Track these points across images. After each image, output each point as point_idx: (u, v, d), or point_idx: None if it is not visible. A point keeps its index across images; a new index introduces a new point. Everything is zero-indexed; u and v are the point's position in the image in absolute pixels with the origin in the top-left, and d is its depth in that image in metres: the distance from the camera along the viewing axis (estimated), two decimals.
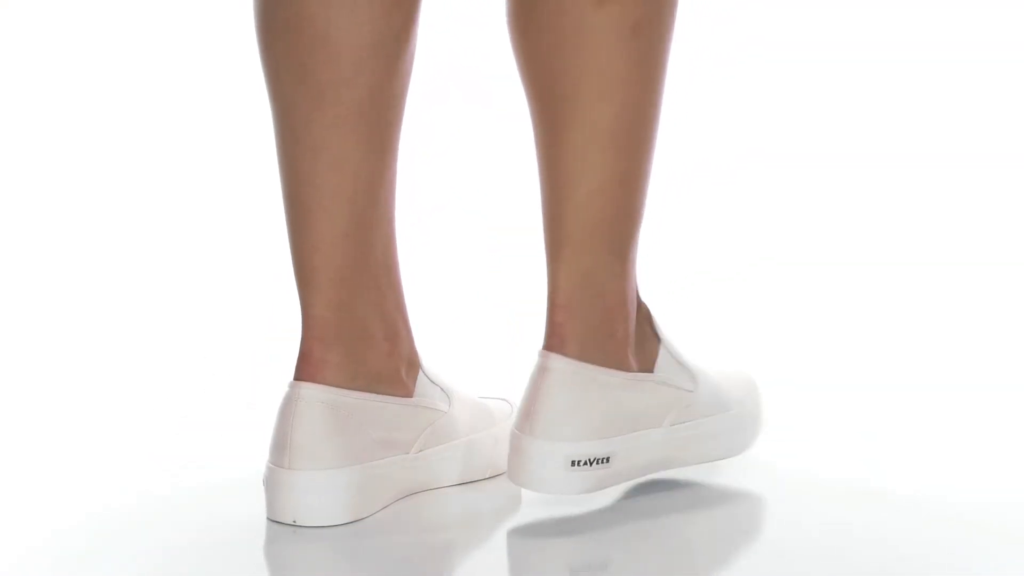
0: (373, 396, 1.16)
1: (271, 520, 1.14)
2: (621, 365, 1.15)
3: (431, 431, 1.20)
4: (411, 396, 1.19)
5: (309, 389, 1.14)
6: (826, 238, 2.28)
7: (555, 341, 1.14)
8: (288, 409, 1.14)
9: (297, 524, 1.13)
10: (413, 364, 1.21)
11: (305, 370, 1.16)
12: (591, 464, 1.13)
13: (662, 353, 1.19)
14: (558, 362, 1.13)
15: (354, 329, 1.17)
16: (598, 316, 1.15)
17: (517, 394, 1.18)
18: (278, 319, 2.05)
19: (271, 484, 1.14)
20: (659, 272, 2.02)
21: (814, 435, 1.40)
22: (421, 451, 1.19)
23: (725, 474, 1.24)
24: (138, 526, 1.16)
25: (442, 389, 1.22)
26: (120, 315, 2.04)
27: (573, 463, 1.12)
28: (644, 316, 1.20)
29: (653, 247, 1.31)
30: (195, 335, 1.96)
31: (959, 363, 1.76)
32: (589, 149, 1.14)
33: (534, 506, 1.18)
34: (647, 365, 1.18)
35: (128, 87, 2.38)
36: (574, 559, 1.10)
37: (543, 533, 1.13)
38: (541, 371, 1.13)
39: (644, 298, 1.21)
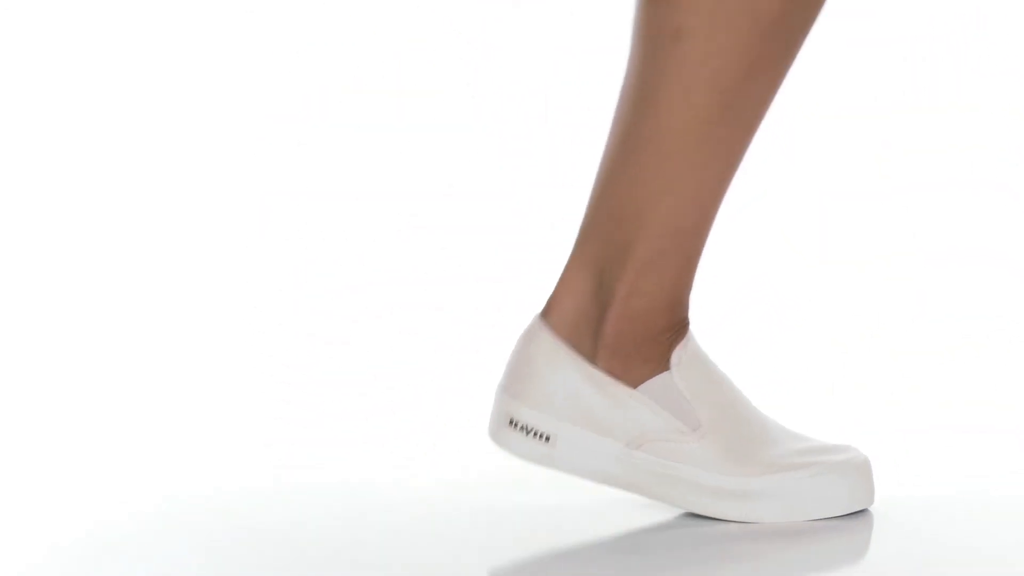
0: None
1: None
2: (603, 363, 1.16)
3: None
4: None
5: None
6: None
7: (549, 311, 1.17)
8: None
9: None
10: None
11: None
12: (528, 433, 1.15)
13: (663, 378, 1.16)
14: (539, 330, 1.16)
15: None
16: (594, 309, 1.16)
17: None
18: (278, 320, 2.05)
19: None
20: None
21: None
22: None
23: None
24: (137, 530, 1.16)
25: None
26: (120, 316, 2.04)
27: (512, 422, 1.16)
28: (665, 337, 1.16)
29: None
30: (195, 336, 1.96)
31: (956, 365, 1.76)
32: (620, 152, 1.14)
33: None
34: (635, 379, 1.16)
35: (128, 87, 2.39)
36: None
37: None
38: (526, 331, 1.17)
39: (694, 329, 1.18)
